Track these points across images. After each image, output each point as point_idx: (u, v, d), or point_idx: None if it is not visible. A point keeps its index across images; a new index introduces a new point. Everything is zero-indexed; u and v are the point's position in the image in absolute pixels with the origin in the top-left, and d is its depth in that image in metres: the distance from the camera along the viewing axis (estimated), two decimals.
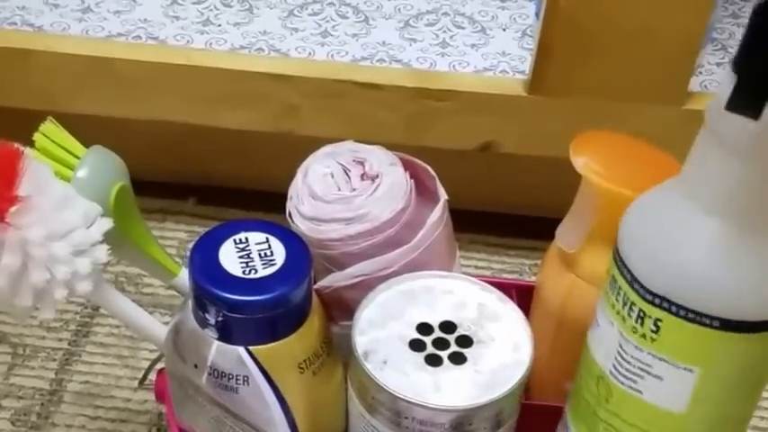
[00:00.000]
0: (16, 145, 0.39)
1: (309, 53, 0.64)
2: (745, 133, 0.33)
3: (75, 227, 0.40)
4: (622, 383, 0.38)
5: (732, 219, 0.35)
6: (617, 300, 0.38)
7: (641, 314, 0.37)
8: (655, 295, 0.36)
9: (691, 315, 0.35)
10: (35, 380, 0.60)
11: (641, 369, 0.37)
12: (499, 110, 0.63)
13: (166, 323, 0.45)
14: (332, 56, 0.64)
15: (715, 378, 0.37)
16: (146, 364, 0.59)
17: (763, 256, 0.35)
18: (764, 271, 0.35)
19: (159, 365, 0.50)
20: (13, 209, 0.38)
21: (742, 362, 0.37)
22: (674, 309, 0.36)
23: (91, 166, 0.43)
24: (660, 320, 0.36)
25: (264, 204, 0.64)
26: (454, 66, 0.64)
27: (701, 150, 0.35)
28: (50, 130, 0.43)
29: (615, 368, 0.38)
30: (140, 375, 0.60)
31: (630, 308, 0.37)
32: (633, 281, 0.37)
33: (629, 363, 0.38)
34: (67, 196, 0.40)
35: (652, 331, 0.36)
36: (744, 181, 0.34)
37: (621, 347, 0.38)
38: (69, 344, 0.63)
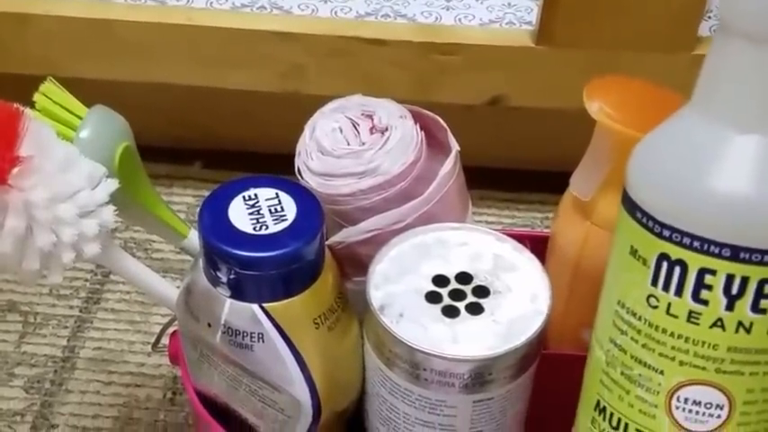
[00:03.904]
0: (16, 105, 0.38)
1: (313, 10, 0.63)
2: None
3: (80, 188, 0.39)
4: None
5: None
6: None
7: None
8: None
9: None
10: (47, 347, 0.60)
11: None
12: (507, 62, 0.62)
13: (178, 288, 0.45)
14: (335, 12, 0.63)
15: None
16: (158, 329, 0.59)
17: None
18: None
19: (172, 329, 0.49)
20: (15, 170, 0.37)
21: None
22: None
23: (93, 127, 0.42)
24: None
25: (272, 167, 0.63)
26: (460, 19, 0.63)
27: (721, 60, 0.32)
28: (51, 90, 0.42)
29: None
30: (153, 340, 0.59)
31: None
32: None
33: None
34: (71, 157, 0.39)
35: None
36: None
37: None
38: (80, 311, 0.62)
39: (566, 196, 0.46)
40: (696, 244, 0.32)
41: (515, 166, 0.71)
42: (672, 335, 0.34)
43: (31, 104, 0.42)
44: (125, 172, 0.43)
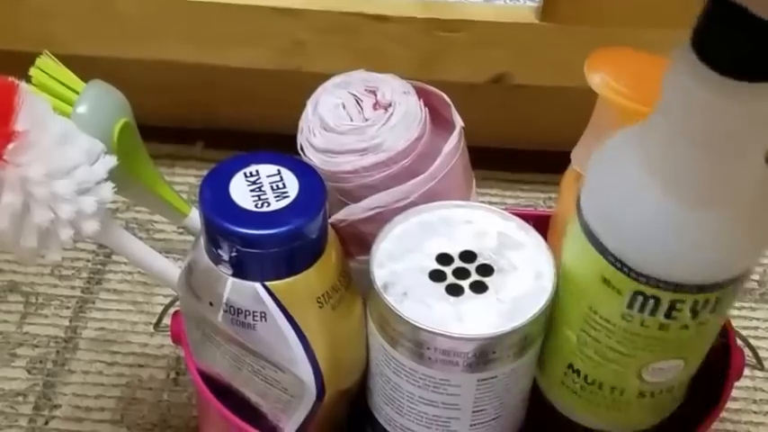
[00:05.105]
0: (11, 78, 0.37)
1: None
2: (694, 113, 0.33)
3: (78, 164, 0.38)
4: None
5: (676, 191, 0.35)
6: None
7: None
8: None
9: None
10: (49, 328, 0.60)
11: None
12: (511, 39, 0.61)
13: (180, 267, 0.44)
14: None
15: None
16: (160, 309, 0.59)
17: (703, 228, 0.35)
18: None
19: (174, 308, 0.49)
20: (10, 145, 0.36)
21: None
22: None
23: (91, 102, 0.41)
24: None
25: (274, 146, 0.62)
26: None
27: (654, 119, 0.35)
28: (47, 65, 0.41)
29: None
30: (155, 320, 0.59)
31: None
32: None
33: None
34: (68, 132, 0.38)
35: None
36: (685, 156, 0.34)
37: None
38: (82, 291, 0.62)
39: (568, 172, 0.46)
40: (669, 286, 0.37)
41: (519, 146, 0.70)
42: (644, 337, 0.39)
43: (28, 80, 0.41)
44: (124, 149, 0.42)
